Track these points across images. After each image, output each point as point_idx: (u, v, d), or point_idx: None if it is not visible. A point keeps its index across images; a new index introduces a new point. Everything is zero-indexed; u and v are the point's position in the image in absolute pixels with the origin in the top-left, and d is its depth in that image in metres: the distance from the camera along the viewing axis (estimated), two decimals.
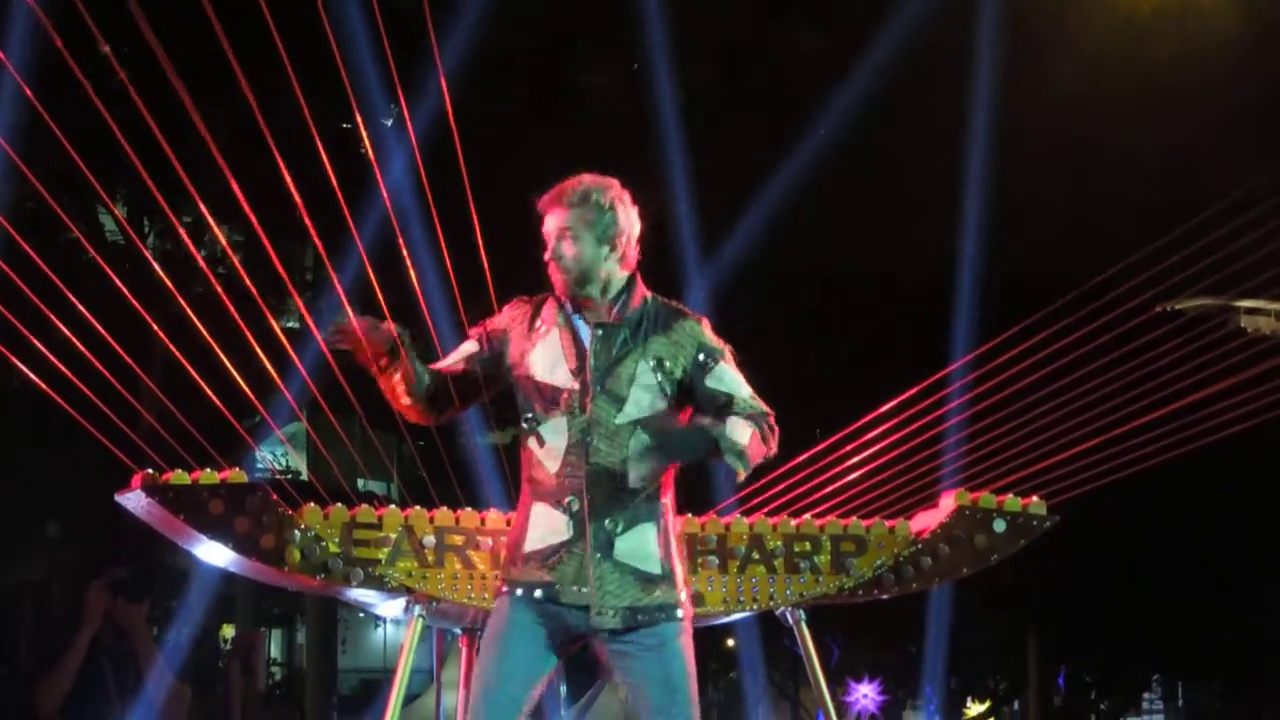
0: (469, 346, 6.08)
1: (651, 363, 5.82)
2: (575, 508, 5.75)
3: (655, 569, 5.79)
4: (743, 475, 5.87)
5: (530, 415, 5.86)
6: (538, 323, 5.94)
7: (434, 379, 5.97)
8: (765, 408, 5.95)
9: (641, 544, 5.79)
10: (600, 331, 5.84)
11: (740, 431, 5.78)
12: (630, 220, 5.90)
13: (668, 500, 5.91)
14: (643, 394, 5.80)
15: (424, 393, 5.94)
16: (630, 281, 5.94)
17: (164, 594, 24.38)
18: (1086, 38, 19.46)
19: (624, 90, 19.94)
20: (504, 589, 5.86)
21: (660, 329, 5.89)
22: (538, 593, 5.76)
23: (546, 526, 5.80)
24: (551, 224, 5.88)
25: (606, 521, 5.74)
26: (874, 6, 18.70)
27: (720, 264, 19.89)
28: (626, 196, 5.92)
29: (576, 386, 5.79)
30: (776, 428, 5.95)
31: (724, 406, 5.88)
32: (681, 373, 5.87)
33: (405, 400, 5.95)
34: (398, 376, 5.89)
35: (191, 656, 23.33)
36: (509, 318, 6.04)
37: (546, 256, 5.91)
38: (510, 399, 6.07)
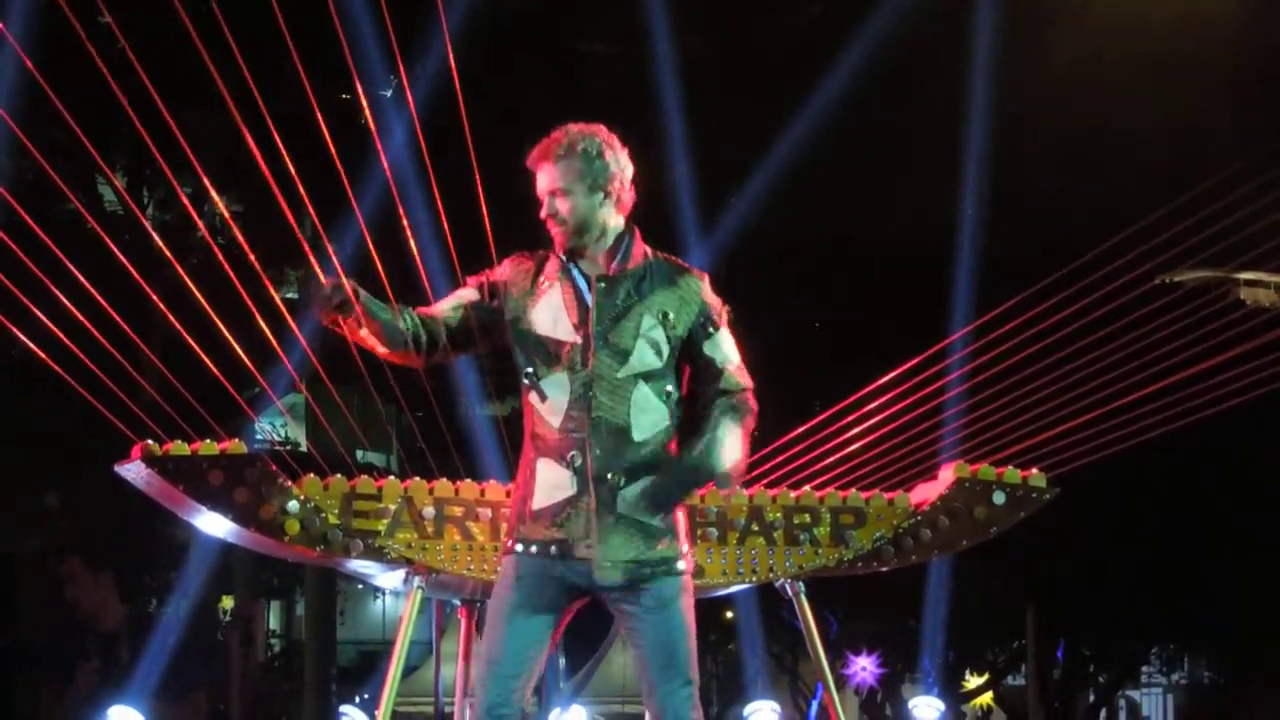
0: (468, 294, 6.01)
1: (657, 315, 5.80)
2: (578, 462, 5.71)
3: (658, 522, 5.77)
4: (729, 494, 5.85)
5: (530, 370, 5.82)
6: (540, 279, 5.90)
7: (419, 323, 5.89)
8: (747, 381, 5.92)
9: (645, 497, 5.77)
10: (603, 285, 5.81)
11: (730, 450, 5.73)
12: (621, 164, 5.85)
13: (672, 454, 5.88)
14: (647, 348, 5.78)
15: (401, 339, 5.86)
16: (629, 232, 5.91)
17: (163, 565, 24.44)
18: (1087, 8, 19.42)
19: (625, 55, 19.90)
20: (514, 547, 5.82)
21: (666, 283, 5.87)
22: (552, 549, 5.74)
23: (552, 482, 5.75)
24: (543, 182, 5.84)
25: (609, 475, 5.71)
26: None
27: (720, 234, 19.88)
28: (615, 140, 5.86)
29: (579, 340, 5.76)
30: (755, 405, 5.93)
31: (713, 378, 5.86)
32: (684, 329, 5.85)
33: (383, 349, 5.90)
34: (364, 332, 5.82)
35: (191, 627, 23.46)
36: (510, 271, 5.97)
37: (542, 215, 5.88)
38: (505, 359, 6.03)
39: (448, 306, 5.98)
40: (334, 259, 6.05)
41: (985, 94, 18.85)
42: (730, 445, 5.75)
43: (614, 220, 5.86)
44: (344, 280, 5.75)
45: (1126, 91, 19.59)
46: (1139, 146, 19.69)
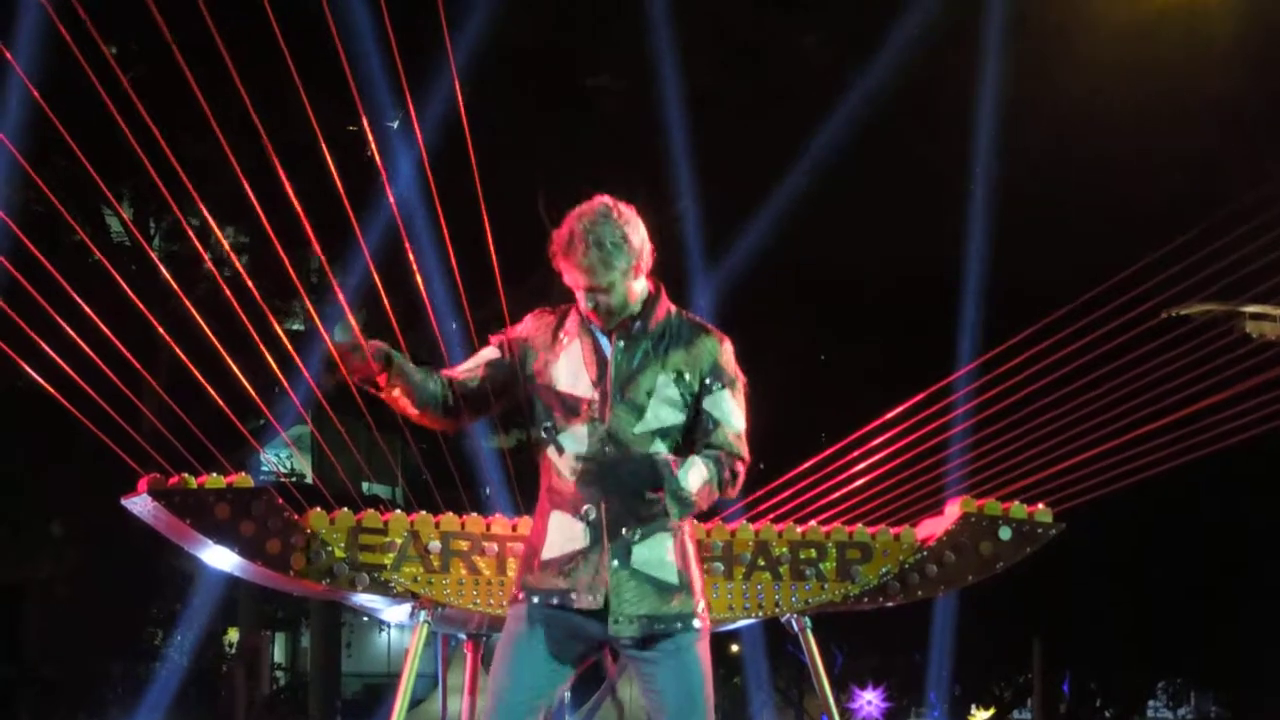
0: (489, 353, 6.01)
1: (672, 375, 5.79)
2: (593, 516, 5.72)
3: (672, 578, 5.76)
4: (675, 522, 5.79)
5: (549, 424, 5.81)
6: (561, 334, 5.89)
7: (446, 386, 5.91)
8: (743, 451, 5.87)
9: (659, 553, 5.75)
10: (622, 344, 5.80)
11: (693, 477, 5.72)
12: (640, 234, 5.79)
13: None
14: (662, 405, 5.76)
15: (434, 401, 5.88)
16: (656, 293, 5.89)
17: (168, 597, 24.42)
18: (1093, 41, 19.45)
19: (632, 89, 19.93)
20: (520, 596, 5.82)
21: (682, 343, 5.85)
22: (554, 600, 5.73)
23: (564, 534, 5.76)
24: (573, 280, 5.77)
25: (624, 530, 5.71)
26: (881, 9, 18.71)
27: (726, 268, 19.88)
28: (625, 210, 5.80)
29: (596, 396, 5.76)
30: (741, 475, 5.88)
31: (706, 433, 5.84)
32: (698, 386, 5.83)
33: (414, 411, 5.90)
34: (397, 392, 5.83)
35: (196, 660, 23.41)
36: (532, 328, 5.97)
37: (582, 308, 5.82)
38: (518, 408, 6.02)
39: (472, 367, 5.98)
40: (351, 319, 6.03)
41: (992, 125, 18.89)
42: (698, 474, 5.71)
43: (641, 286, 5.83)
44: (368, 343, 5.76)
45: (1134, 125, 19.60)
46: (1146, 180, 19.70)
